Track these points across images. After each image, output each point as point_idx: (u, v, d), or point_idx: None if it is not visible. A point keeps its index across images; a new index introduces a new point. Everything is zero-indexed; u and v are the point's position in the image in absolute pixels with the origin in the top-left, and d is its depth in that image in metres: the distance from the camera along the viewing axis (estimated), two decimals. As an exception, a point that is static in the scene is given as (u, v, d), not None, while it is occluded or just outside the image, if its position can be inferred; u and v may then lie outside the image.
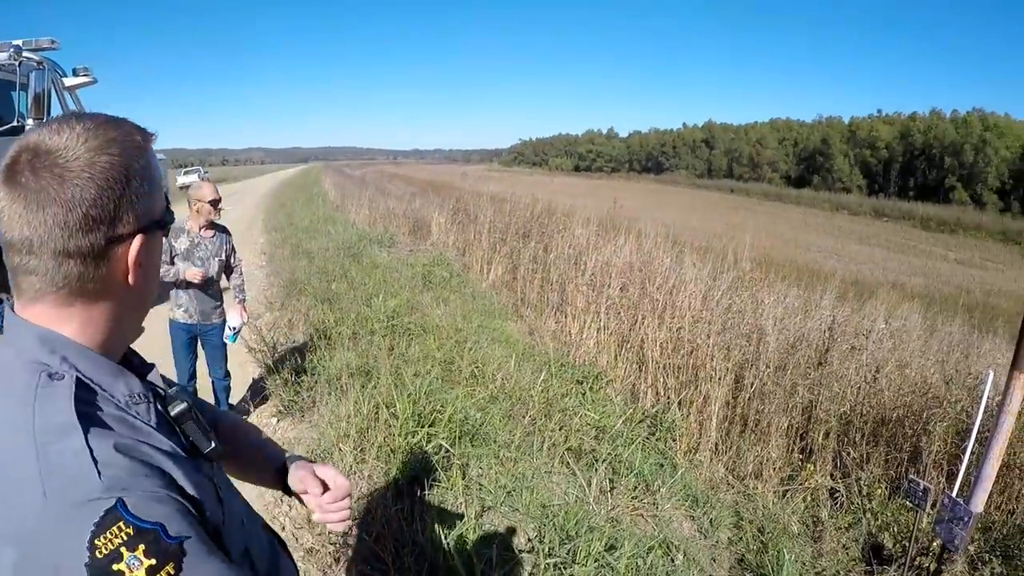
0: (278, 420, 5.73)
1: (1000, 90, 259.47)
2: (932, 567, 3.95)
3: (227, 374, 5.69)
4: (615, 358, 6.96)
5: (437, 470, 4.53)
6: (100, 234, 0.94)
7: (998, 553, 4.26)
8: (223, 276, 5.36)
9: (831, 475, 5.25)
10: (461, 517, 4.08)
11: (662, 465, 5.23)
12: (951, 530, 3.41)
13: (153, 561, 0.82)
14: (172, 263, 4.89)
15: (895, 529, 4.55)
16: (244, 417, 5.34)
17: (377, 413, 5.04)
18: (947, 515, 3.44)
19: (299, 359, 6.36)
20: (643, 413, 5.95)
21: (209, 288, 5.15)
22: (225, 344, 5.47)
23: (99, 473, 0.83)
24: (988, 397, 3.47)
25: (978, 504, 3.35)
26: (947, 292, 21.20)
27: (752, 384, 5.69)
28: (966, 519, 3.33)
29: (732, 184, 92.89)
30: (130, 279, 1.01)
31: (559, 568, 3.78)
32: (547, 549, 3.87)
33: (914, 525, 3.88)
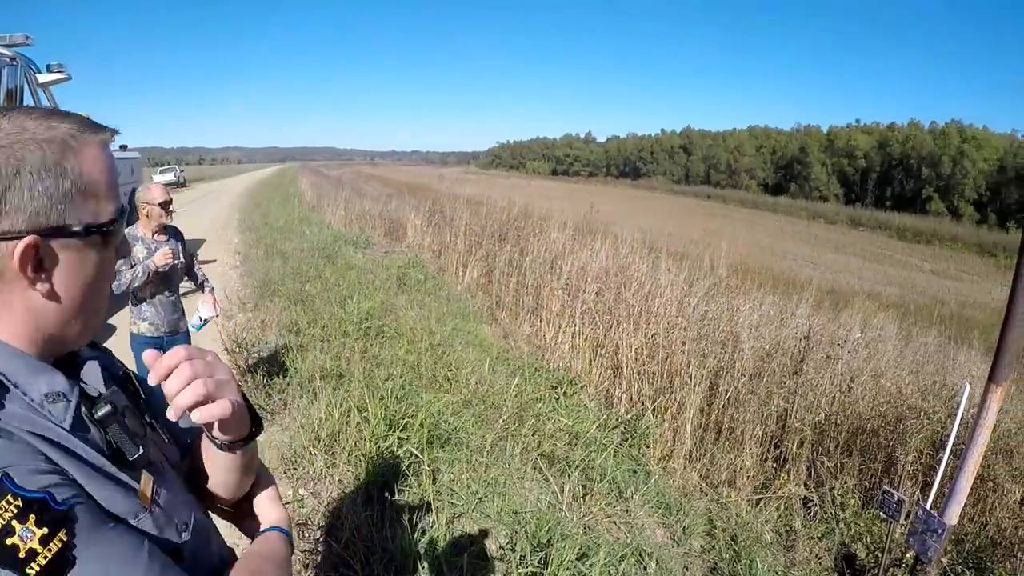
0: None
1: (978, 102, 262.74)
2: (905, 578, 3.94)
3: None
4: (589, 363, 6.94)
5: (408, 475, 4.48)
6: None
7: (971, 565, 4.28)
8: (182, 279, 5.09)
9: (805, 484, 5.24)
10: (432, 523, 4.03)
11: (635, 472, 5.21)
12: (924, 542, 3.40)
13: (45, 530, 0.81)
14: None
15: (868, 539, 4.55)
16: None
17: (349, 417, 4.99)
18: (921, 527, 3.42)
19: (271, 361, 6.29)
20: (617, 419, 5.92)
21: (173, 293, 4.88)
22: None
23: None
24: (964, 409, 3.45)
25: (952, 516, 3.33)
26: (922, 303, 21.36)
27: (727, 392, 5.68)
28: (940, 531, 3.32)
29: (709, 191, 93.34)
30: (37, 287, 0.95)
31: (531, 576, 3.74)
32: (519, 556, 3.83)
33: (887, 536, 3.87)
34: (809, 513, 4.98)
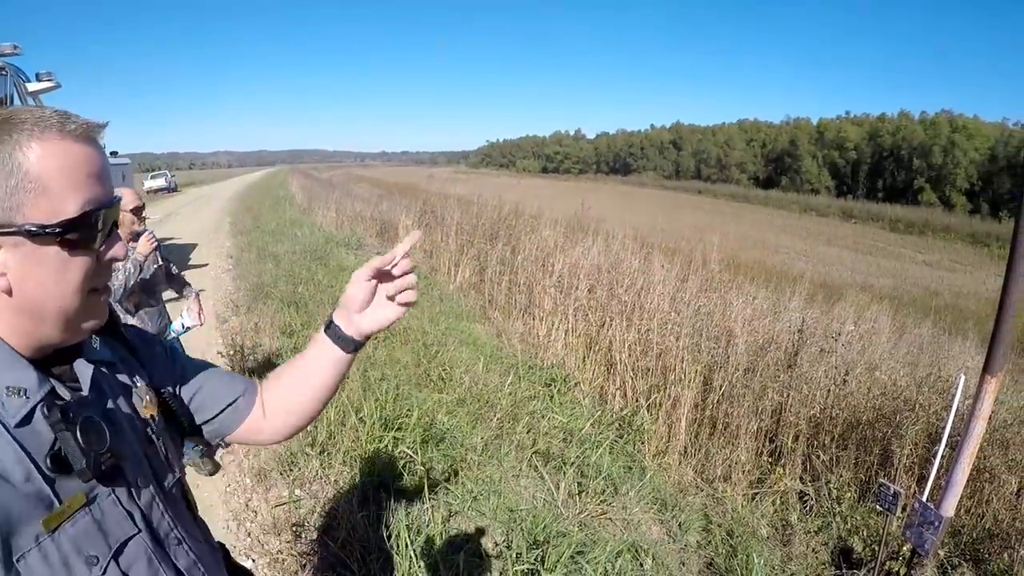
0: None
1: (969, 91, 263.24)
2: (902, 571, 3.93)
3: None
4: (583, 360, 6.94)
5: (403, 475, 4.48)
6: None
7: (968, 558, 4.28)
8: (164, 287, 4.88)
9: (800, 478, 5.25)
10: (428, 522, 4.02)
11: (631, 468, 5.20)
12: (921, 534, 3.39)
13: None
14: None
15: (865, 533, 4.55)
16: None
17: (344, 418, 4.98)
18: (917, 519, 3.42)
19: (266, 363, 6.28)
20: (611, 416, 5.93)
21: (157, 302, 4.70)
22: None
23: None
24: (959, 401, 3.45)
25: (948, 509, 3.33)
26: (916, 294, 21.44)
27: (721, 386, 5.68)
28: (936, 523, 3.31)
29: (700, 185, 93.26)
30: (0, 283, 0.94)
31: (528, 574, 3.73)
32: (515, 554, 3.83)
33: (884, 529, 3.86)
34: (805, 507, 4.98)
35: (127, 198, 4.39)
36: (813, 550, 4.50)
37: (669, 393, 5.83)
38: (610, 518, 4.53)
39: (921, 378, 5.55)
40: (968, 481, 3.55)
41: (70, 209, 0.96)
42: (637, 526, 4.53)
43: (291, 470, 4.68)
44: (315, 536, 4.00)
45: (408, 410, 5.19)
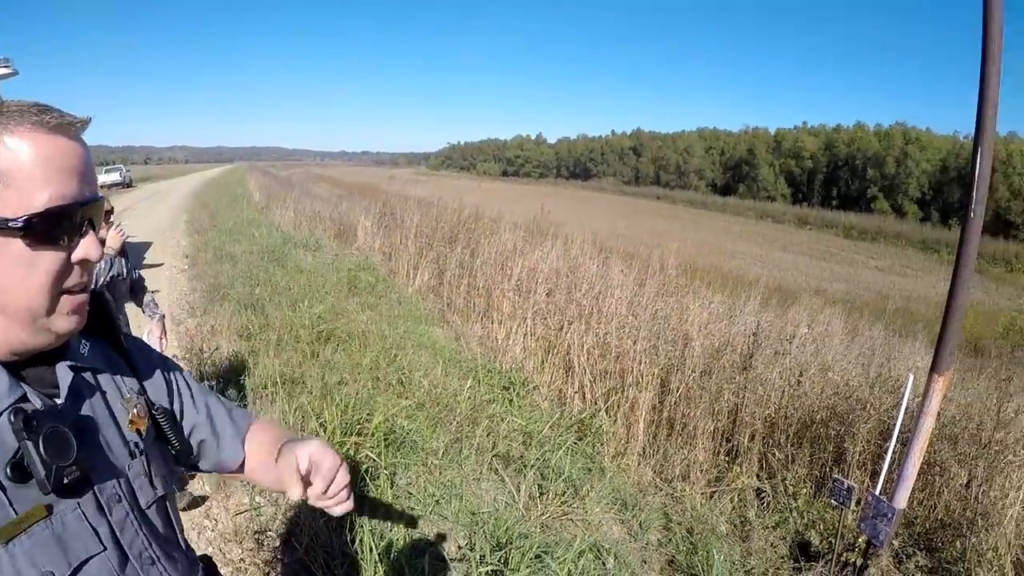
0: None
1: (921, 105, 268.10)
2: (859, 562, 4.03)
3: None
4: (542, 363, 6.96)
5: (366, 480, 4.46)
6: None
7: (922, 547, 4.39)
8: (126, 298, 4.74)
9: (757, 476, 5.32)
10: (391, 527, 4.02)
11: (590, 470, 5.23)
12: (875, 526, 3.47)
13: None
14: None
15: (821, 527, 4.63)
16: None
17: (304, 423, 4.95)
18: (871, 512, 3.49)
19: (224, 367, 6.22)
20: (571, 418, 5.95)
21: (120, 313, 4.51)
22: None
23: None
24: (908, 399, 3.54)
25: (901, 501, 3.41)
26: (868, 298, 21.79)
27: (678, 388, 5.73)
28: (890, 515, 3.39)
29: (659, 191, 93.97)
30: None
31: (493, 575, 3.75)
32: (479, 556, 3.83)
33: (839, 522, 3.94)
34: (763, 504, 5.04)
35: None
36: (772, 545, 4.56)
37: (627, 395, 5.87)
38: (572, 519, 4.56)
39: (873, 378, 5.65)
40: (919, 474, 3.64)
41: (37, 203, 0.92)
42: (598, 526, 4.56)
43: (252, 477, 4.64)
44: (278, 543, 3.97)
45: (369, 414, 5.17)
